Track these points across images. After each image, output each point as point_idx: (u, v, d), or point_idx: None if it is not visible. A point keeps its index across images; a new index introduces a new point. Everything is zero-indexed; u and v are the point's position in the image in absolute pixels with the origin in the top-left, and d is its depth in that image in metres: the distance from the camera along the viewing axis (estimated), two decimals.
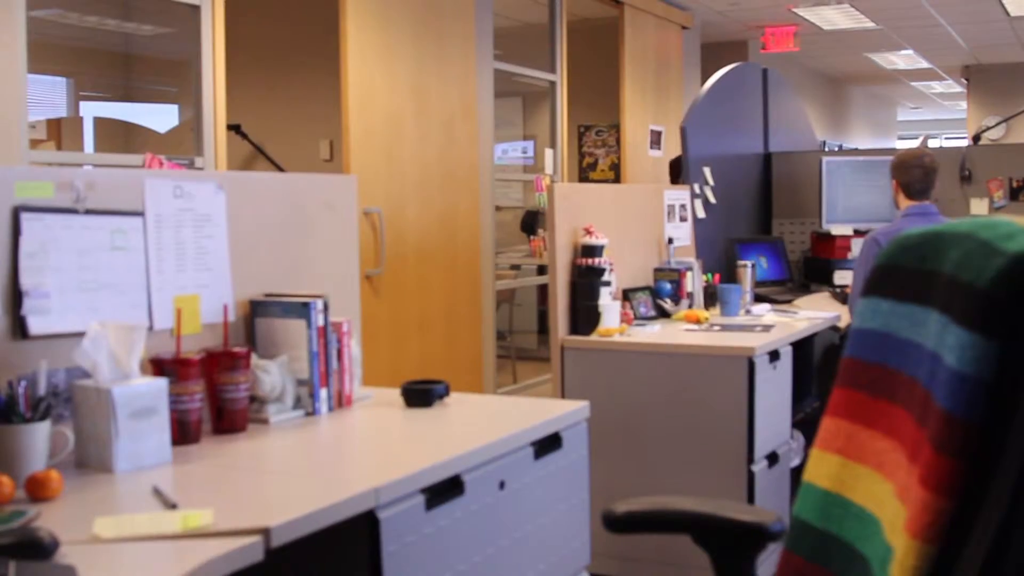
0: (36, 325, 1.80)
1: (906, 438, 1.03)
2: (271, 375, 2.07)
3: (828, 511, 1.15)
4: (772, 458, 3.44)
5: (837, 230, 5.27)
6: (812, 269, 5.42)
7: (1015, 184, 5.31)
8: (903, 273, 1.08)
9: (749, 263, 4.42)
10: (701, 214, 4.80)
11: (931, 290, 1.02)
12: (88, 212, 1.90)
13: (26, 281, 1.79)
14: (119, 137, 6.27)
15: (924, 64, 11.34)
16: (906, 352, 1.05)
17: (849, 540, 1.11)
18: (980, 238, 0.96)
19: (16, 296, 1.78)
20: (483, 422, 2.10)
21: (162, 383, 1.81)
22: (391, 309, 4.39)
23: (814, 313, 4.18)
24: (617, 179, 7.08)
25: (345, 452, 2.00)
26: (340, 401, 2.21)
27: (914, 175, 3.99)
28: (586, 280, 3.50)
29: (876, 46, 10.21)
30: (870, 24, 8.86)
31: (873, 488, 1.08)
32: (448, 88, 4.86)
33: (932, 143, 6.40)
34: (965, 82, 11.93)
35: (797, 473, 3.55)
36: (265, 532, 1.38)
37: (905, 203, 4.03)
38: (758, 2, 7.78)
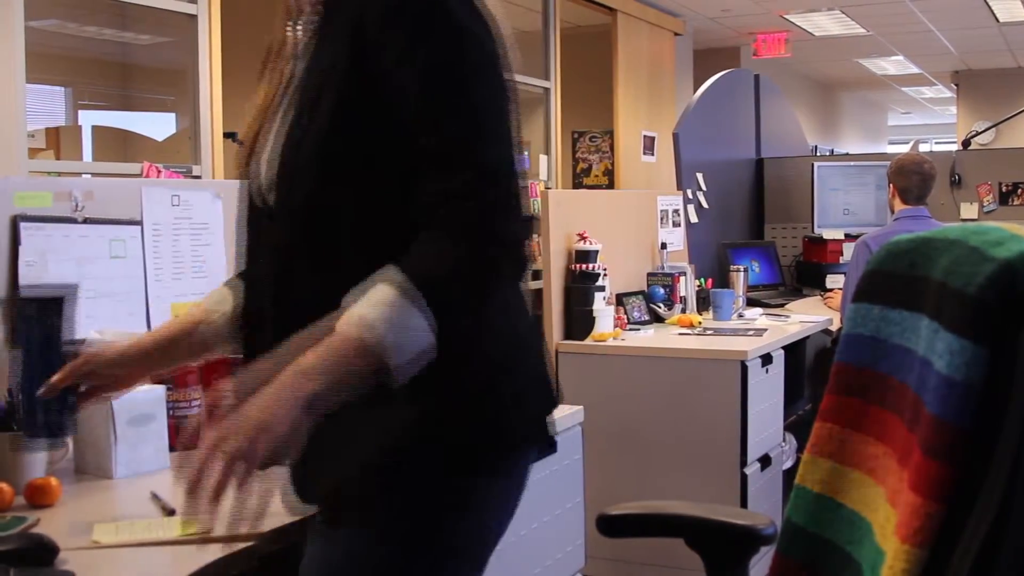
0: None
1: (897, 443, 1.04)
2: None
3: (820, 515, 1.16)
4: (765, 461, 3.45)
5: (829, 234, 5.28)
6: (804, 273, 5.43)
7: (1004, 188, 5.35)
8: (893, 279, 1.09)
9: (742, 267, 4.44)
10: (694, 219, 4.81)
11: (921, 296, 1.03)
12: (86, 221, 1.91)
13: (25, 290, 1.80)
14: (117, 146, 6.26)
15: (914, 70, 11.38)
16: (896, 357, 1.06)
17: (841, 544, 1.12)
18: (970, 244, 0.97)
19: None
20: None
21: (160, 390, 1.82)
22: None
23: (806, 317, 4.20)
24: (611, 185, 7.09)
25: None
26: None
27: (912, 181, 4.00)
28: (580, 285, 3.52)
29: (867, 52, 10.25)
30: (861, 30, 8.89)
31: (864, 492, 1.09)
32: None
33: (922, 148, 6.43)
34: (955, 87, 11.97)
35: (789, 475, 3.56)
36: (261, 537, 1.39)
37: (899, 207, 4.05)
38: (750, 8, 7.81)
